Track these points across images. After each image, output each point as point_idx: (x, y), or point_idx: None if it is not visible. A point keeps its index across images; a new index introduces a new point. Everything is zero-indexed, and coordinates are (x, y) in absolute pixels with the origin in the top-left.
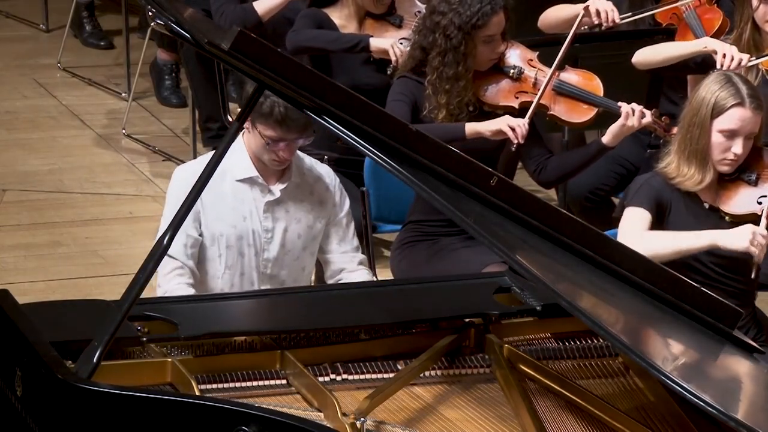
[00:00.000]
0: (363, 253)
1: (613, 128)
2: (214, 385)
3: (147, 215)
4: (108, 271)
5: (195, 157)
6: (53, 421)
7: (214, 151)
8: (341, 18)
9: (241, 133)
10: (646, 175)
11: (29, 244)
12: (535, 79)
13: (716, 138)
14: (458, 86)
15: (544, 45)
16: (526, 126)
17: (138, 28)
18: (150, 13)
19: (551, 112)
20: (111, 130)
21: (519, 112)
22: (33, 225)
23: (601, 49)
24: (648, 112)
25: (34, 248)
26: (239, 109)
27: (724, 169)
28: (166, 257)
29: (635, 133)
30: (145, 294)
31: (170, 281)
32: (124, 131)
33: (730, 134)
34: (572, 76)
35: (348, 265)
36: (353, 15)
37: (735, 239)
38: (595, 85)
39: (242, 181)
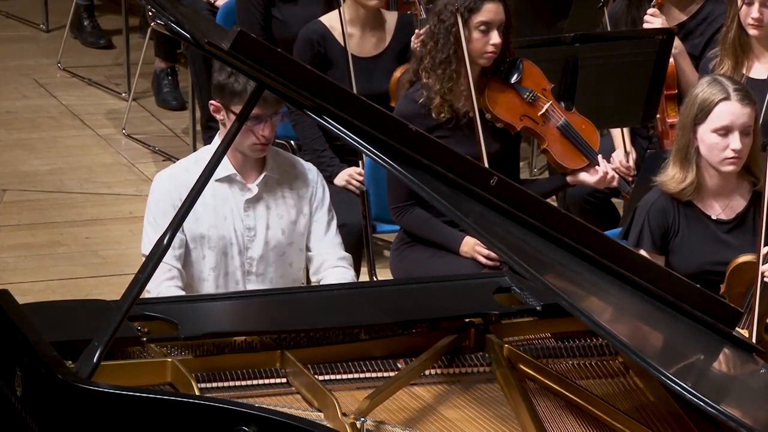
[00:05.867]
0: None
1: (584, 179)
2: (214, 384)
3: None
4: (108, 271)
5: None
6: (53, 421)
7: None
8: (345, 25)
9: (218, 133)
10: (645, 202)
11: (29, 244)
12: (546, 111)
13: (712, 139)
14: (450, 71)
15: (545, 45)
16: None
17: (138, 28)
18: (150, 13)
19: (547, 148)
20: (111, 130)
21: (516, 134)
22: (33, 225)
23: (601, 49)
24: (617, 177)
25: (34, 248)
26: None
27: (729, 168)
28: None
29: (635, 134)
30: (142, 295)
31: (160, 286)
32: (124, 131)
33: (725, 131)
34: (579, 123)
35: (328, 260)
36: (355, 20)
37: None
38: (595, 139)
39: (220, 180)
